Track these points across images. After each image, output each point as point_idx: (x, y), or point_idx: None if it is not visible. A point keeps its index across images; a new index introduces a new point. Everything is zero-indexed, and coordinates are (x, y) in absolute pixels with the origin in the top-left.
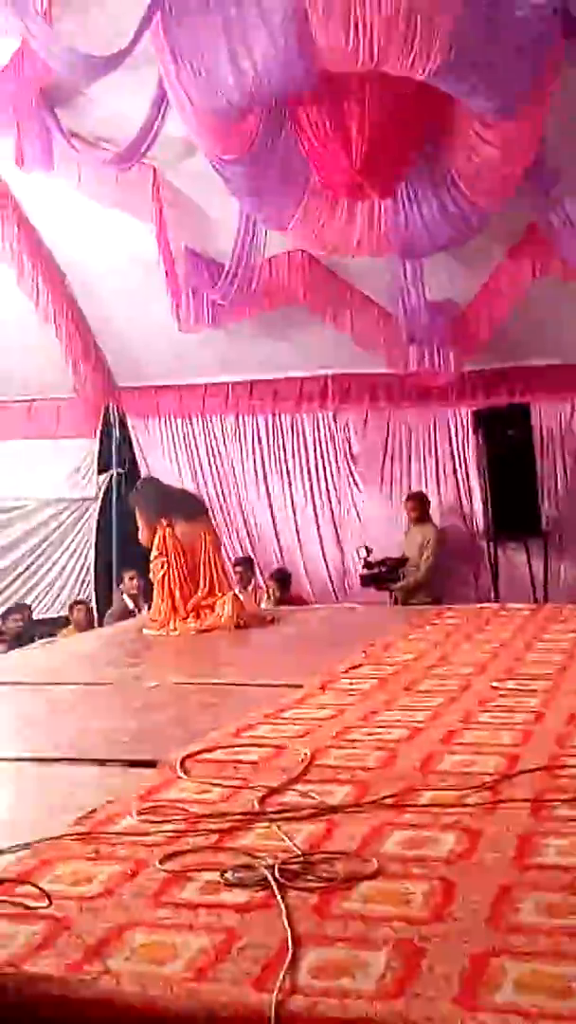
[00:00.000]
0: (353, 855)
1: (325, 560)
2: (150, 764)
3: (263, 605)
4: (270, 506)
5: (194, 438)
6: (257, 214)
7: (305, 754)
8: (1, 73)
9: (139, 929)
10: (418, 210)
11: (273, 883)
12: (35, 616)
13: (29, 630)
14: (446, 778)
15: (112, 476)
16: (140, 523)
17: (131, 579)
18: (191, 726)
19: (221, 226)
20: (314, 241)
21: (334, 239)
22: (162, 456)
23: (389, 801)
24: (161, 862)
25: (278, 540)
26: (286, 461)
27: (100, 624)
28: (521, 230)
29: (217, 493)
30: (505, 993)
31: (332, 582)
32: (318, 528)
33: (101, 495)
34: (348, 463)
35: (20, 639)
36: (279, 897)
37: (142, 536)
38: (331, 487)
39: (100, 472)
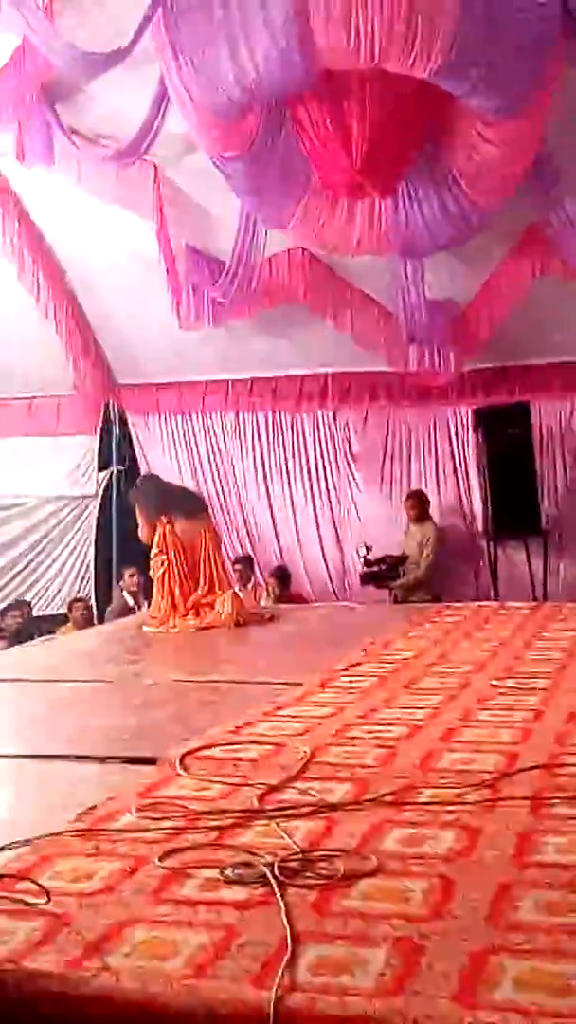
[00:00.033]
0: (352, 853)
1: (324, 558)
2: (150, 761)
3: (262, 603)
4: (270, 504)
5: (194, 436)
6: (257, 212)
7: (304, 752)
8: (2, 69)
9: (139, 926)
10: (418, 209)
11: (272, 880)
12: (35, 613)
13: (28, 627)
14: (445, 776)
15: (112, 473)
16: (140, 520)
17: (131, 576)
18: (191, 723)
19: (222, 224)
20: (314, 240)
21: (334, 238)
22: (162, 453)
23: (389, 799)
24: (161, 859)
25: (277, 538)
26: (286, 459)
27: (100, 621)
28: (522, 230)
29: (217, 491)
30: (504, 991)
31: (331, 580)
32: (318, 526)
33: (101, 492)
34: (348, 462)
35: (20, 636)
36: (278, 894)
37: (142, 533)
38: (331, 485)
39: (100, 469)
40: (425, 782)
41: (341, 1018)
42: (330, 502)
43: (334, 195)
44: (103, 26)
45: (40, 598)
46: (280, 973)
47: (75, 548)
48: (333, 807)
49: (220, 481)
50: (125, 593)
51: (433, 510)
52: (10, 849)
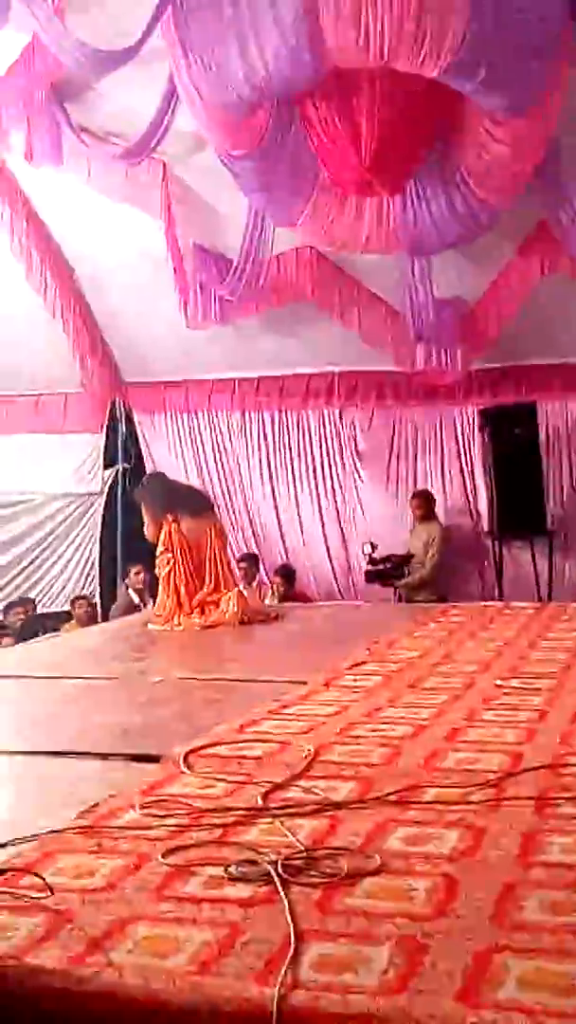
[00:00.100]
0: (356, 851)
1: (330, 557)
2: (154, 759)
3: (267, 601)
4: (275, 503)
5: (200, 434)
6: (266, 210)
7: (309, 750)
8: (11, 68)
9: (142, 922)
10: (427, 207)
11: (276, 878)
12: (41, 610)
13: (33, 624)
14: (450, 775)
15: (118, 471)
16: (146, 518)
17: (137, 573)
18: (195, 721)
19: (230, 222)
20: (323, 237)
21: (343, 235)
22: (168, 452)
23: (393, 798)
24: (164, 856)
25: (283, 537)
26: (292, 458)
27: (104, 619)
28: (530, 228)
29: (222, 489)
30: (508, 990)
31: (337, 579)
32: (323, 525)
33: (106, 490)
34: (354, 460)
35: (25, 633)
36: (282, 892)
37: (148, 531)
38: (337, 484)
39: (106, 467)
40: (430, 781)
41: (344, 1016)
42: (335, 501)
43: (343, 193)
44: (113, 24)
45: (45, 595)
46: (283, 971)
47: (81, 545)
48: (337, 806)
49: (226, 479)
50: (131, 591)
51: (439, 509)
52: (13, 845)
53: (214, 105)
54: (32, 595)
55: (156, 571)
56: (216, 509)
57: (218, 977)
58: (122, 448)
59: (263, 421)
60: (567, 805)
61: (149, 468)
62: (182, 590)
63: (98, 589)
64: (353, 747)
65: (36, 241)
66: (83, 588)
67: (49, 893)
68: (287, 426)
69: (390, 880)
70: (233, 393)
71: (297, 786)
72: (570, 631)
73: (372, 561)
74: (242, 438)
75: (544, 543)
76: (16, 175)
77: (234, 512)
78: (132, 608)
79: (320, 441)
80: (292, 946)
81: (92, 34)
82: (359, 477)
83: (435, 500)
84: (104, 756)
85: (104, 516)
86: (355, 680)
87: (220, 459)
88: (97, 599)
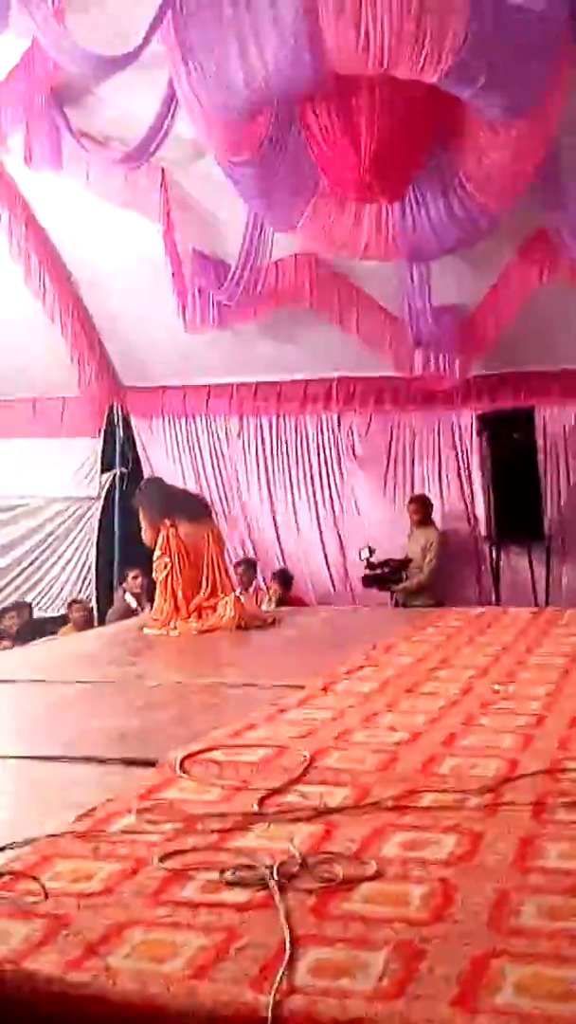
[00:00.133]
0: (353, 856)
1: (327, 562)
2: (150, 763)
3: (264, 606)
4: (272, 507)
5: (198, 438)
6: (265, 216)
7: (305, 755)
8: (11, 72)
9: (138, 927)
10: (426, 213)
11: (272, 883)
12: (38, 614)
13: (30, 628)
14: (447, 780)
15: (115, 475)
16: (143, 523)
17: (135, 578)
18: (192, 726)
19: (229, 227)
20: (322, 243)
21: (342, 241)
22: (165, 456)
23: (390, 803)
24: (160, 861)
25: (280, 541)
26: (289, 463)
27: (101, 623)
28: (530, 233)
29: (220, 494)
30: (505, 995)
31: (334, 584)
32: (320, 530)
33: (103, 494)
34: (352, 465)
35: (22, 637)
36: (277, 898)
37: (145, 536)
38: (334, 489)
39: (103, 471)
40: (427, 787)
41: (340, 1021)
42: (333, 506)
43: (342, 199)
44: (113, 28)
45: (43, 597)
46: (280, 976)
47: (79, 548)
48: (334, 811)
49: (223, 484)
50: (128, 595)
51: (436, 514)
52: (10, 849)
53: (214, 111)
54: (30, 598)
55: (153, 575)
56: (214, 514)
57: (214, 982)
58: (120, 452)
59: (261, 426)
60: (564, 810)
61: (147, 472)
62: (179, 594)
63: (94, 593)
64: (350, 752)
65: (35, 245)
66: (80, 592)
67: (45, 897)
68: (285, 431)
69: (387, 885)
70: (231, 398)
71: (294, 791)
72: (567, 636)
73: (370, 565)
74: (240, 443)
75: (541, 548)
76: (15, 179)
77: (231, 517)
78: (129, 612)
79: (318, 446)
80: (288, 951)
81: (91, 35)
82: (357, 482)
83: (433, 505)
84: (101, 760)
85: (101, 520)
86: (352, 685)
87: (218, 464)
88: (93, 603)
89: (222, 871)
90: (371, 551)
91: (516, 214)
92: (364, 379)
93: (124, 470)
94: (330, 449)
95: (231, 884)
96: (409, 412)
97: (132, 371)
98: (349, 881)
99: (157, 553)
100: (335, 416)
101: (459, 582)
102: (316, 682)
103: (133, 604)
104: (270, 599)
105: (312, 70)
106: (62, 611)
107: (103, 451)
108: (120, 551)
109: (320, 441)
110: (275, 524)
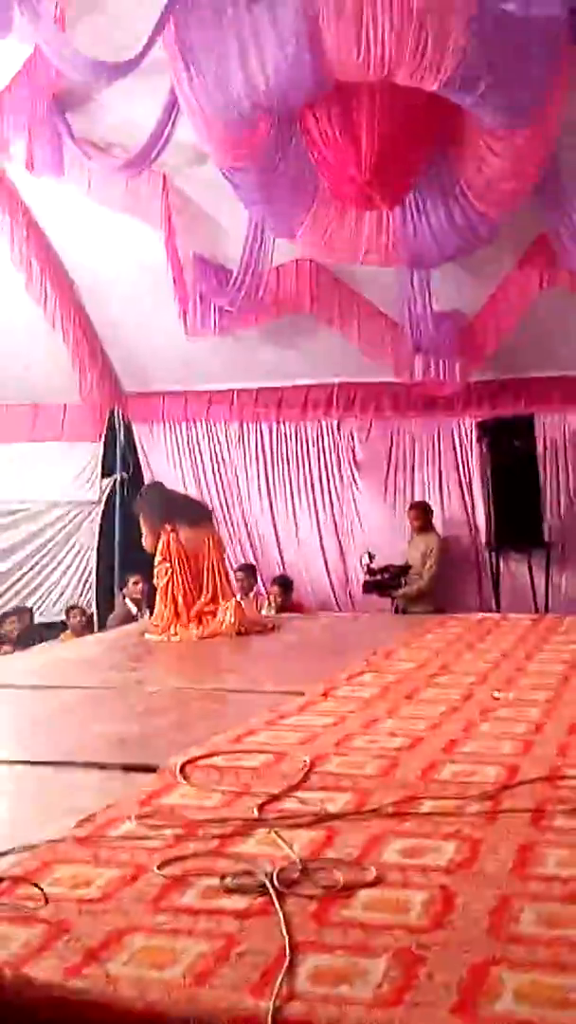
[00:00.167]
0: (353, 863)
1: (327, 568)
2: (151, 769)
3: (264, 612)
4: (272, 513)
5: (198, 444)
6: (266, 222)
7: (305, 761)
8: (14, 79)
9: (138, 933)
10: (426, 220)
11: (271, 890)
12: (39, 619)
13: (31, 633)
14: (447, 787)
15: (116, 480)
16: (144, 528)
17: (135, 583)
18: (192, 732)
19: (230, 233)
20: (322, 249)
21: (342, 247)
22: (166, 461)
23: (390, 809)
24: (160, 867)
25: (280, 547)
26: (290, 469)
27: (101, 628)
28: (530, 241)
29: (220, 499)
30: (504, 1003)
31: (334, 590)
32: (320, 536)
33: (104, 499)
34: (352, 471)
35: (23, 642)
36: (277, 905)
37: (146, 542)
38: (334, 495)
39: (104, 476)
40: (426, 793)
41: None
42: (333, 512)
43: (342, 205)
44: (114, 35)
45: (44, 602)
46: (279, 982)
47: (79, 552)
48: (334, 817)
49: (224, 490)
50: (128, 600)
51: (436, 521)
52: (10, 855)
53: (215, 117)
54: (30, 603)
55: (154, 581)
56: (214, 519)
57: (214, 988)
58: (120, 457)
59: (261, 432)
60: (564, 817)
61: (147, 478)
62: (180, 600)
63: (94, 599)
64: (350, 758)
65: (36, 251)
66: (80, 596)
67: (45, 903)
68: (285, 437)
69: (387, 892)
70: (232, 404)
71: (294, 797)
72: (567, 643)
73: (370, 571)
74: (240, 448)
75: (541, 555)
76: (17, 185)
77: (232, 522)
78: (129, 618)
79: (318, 452)
80: (288, 958)
81: (93, 42)
82: (357, 488)
83: (433, 511)
84: (101, 766)
85: (102, 525)
86: (352, 691)
87: (218, 469)
88: (93, 608)
89: (222, 877)
90: (371, 557)
91: (516, 222)
92: (364, 385)
93: (125, 475)
94: (330, 455)
95: (231, 891)
96: (409, 418)
97: (133, 377)
98: (349, 887)
99: (158, 558)
100: (335, 422)
101: (459, 589)
102: (316, 688)
103: (133, 610)
104: (270, 605)
105: (313, 76)
106: (62, 617)
107: (104, 455)
108: (121, 556)
109: (321, 447)
110: (275, 529)
